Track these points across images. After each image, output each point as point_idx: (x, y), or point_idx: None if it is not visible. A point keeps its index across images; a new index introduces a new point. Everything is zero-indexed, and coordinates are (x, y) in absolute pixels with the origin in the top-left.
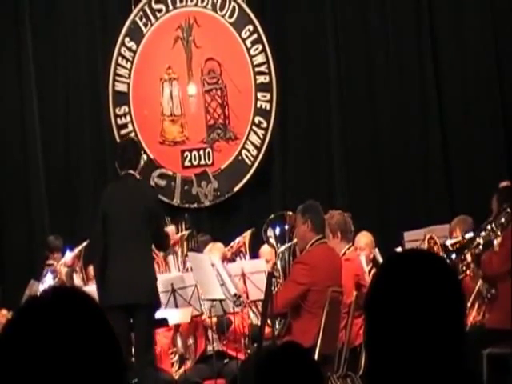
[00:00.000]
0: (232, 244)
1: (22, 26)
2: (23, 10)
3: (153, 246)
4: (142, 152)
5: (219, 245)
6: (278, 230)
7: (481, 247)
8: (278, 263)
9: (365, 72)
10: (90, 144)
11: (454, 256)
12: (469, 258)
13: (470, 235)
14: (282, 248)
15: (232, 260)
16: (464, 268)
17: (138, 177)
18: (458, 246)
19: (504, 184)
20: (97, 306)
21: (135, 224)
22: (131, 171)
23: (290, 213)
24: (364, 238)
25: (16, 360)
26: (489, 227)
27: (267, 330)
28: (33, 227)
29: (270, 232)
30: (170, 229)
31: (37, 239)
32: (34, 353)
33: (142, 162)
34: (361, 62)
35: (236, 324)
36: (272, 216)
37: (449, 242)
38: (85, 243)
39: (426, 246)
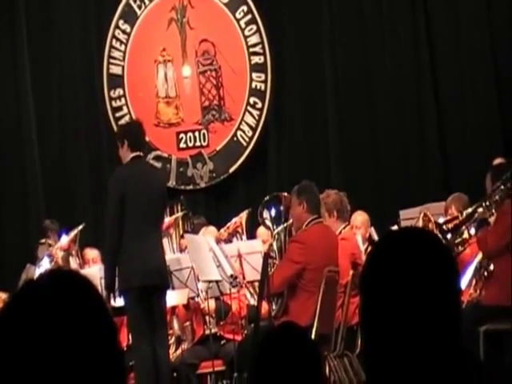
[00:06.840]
0: (228, 225)
1: (16, 11)
2: None
3: None
4: None
5: (212, 228)
6: (273, 212)
7: (475, 225)
8: (274, 244)
9: (361, 52)
10: (85, 127)
11: (449, 236)
12: (466, 235)
13: (465, 212)
14: (278, 229)
15: (228, 241)
16: (459, 246)
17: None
18: (452, 224)
19: (497, 161)
20: (95, 289)
21: (154, 206)
22: (141, 153)
23: (285, 193)
24: (360, 216)
25: (13, 344)
26: (484, 205)
27: (264, 310)
28: (28, 211)
29: (265, 214)
30: None
31: (33, 223)
32: (31, 336)
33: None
34: (357, 42)
35: (234, 308)
36: (267, 198)
37: (442, 220)
38: (80, 227)
39: (420, 223)
